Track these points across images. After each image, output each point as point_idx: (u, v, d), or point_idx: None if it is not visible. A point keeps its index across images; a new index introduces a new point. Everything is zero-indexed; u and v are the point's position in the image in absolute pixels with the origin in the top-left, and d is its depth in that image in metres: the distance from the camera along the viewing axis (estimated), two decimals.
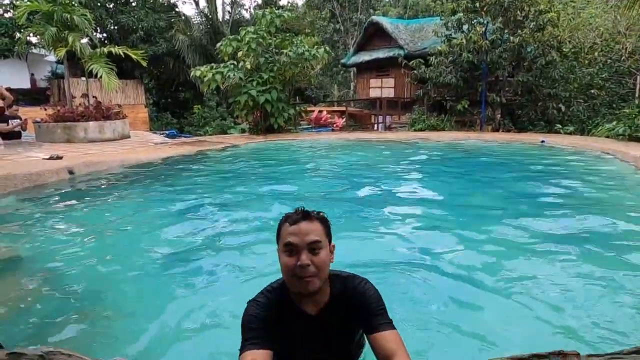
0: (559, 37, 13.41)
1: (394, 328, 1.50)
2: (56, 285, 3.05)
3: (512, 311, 2.56)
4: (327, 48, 13.71)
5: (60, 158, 7.64)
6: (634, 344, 1.60)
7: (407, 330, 2.12)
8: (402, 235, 4.07)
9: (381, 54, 19.04)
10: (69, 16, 11.22)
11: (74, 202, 5.48)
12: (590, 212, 4.64)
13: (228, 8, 27.24)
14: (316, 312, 1.57)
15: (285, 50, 12.81)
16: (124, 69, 19.81)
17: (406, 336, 1.50)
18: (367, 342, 1.55)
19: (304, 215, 1.51)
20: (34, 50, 21.55)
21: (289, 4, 29.95)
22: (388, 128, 17.21)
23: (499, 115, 14.40)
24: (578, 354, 1.28)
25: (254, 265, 3.28)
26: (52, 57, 23.28)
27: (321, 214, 1.58)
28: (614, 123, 10.97)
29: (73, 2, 11.89)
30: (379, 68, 19.98)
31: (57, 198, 5.67)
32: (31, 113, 13.80)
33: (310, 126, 17.23)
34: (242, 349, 1.45)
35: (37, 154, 8.43)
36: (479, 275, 3.12)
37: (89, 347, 2.27)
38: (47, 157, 7.72)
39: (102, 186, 6.47)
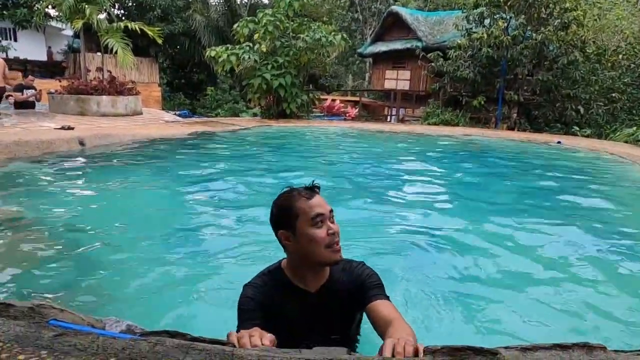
0: (583, 37, 13.07)
1: (390, 301, 1.54)
2: (59, 247, 3.04)
3: (525, 305, 2.47)
4: (344, 35, 13.51)
5: (72, 129, 7.63)
6: None
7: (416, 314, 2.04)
8: (405, 223, 4.00)
9: (399, 45, 18.76)
10: None
11: (82, 171, 5.47)
12: (609, 216, 4.51)
13: None
14: (316, 289, 1.57)
15: (302, 35, 12.65)
16: (140, 47, 19.76)
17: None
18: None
19: (312, 188, 1.54)
20: (52, 24, 21.61)
21: None
22: (401, 120, 17.01)
23: (515, 114, 14.14)
24: (604, 347, 1.19)
25: (253, 243, 3.24)
26: (69, 31, 23.35)
27: (317, 184, 1.59)
28: (634, 128, 10.72)
29: None
30: (396, 59, 19.70)
31: (66, 166, 5.67)
32: (47, 85, 13.86)
33: (322, 114, 17.11)
34: (238, 328, 1.41)
35: (49, 123, 8.44)
36: (485, 266, 3.04)
37: (87, 307, 2.24)
38: (59, 127, 7.73)
39: (112, 158, 6.46)
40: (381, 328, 1.40)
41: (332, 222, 1.50)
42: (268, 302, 1.51)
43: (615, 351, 1.22)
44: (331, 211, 1.51)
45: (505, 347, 1.15)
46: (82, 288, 2.49)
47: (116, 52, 11.65)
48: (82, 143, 6.90)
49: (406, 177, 6.37)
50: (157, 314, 2.26)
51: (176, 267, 2.85)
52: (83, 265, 2.82)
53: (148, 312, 2.28)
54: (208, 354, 0.96)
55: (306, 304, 1.56)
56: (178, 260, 2.96)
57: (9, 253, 2.95)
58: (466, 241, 3.55)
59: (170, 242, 3.28)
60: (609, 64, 14.04)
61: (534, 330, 2.18)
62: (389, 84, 19.82)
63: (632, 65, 13.81)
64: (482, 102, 13.81)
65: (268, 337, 1.19)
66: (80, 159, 6.22)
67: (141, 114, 12.20)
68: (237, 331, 1.37)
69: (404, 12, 19.07)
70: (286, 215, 1.50)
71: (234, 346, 1.08)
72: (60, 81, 11.85)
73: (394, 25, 19.60)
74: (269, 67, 12.56)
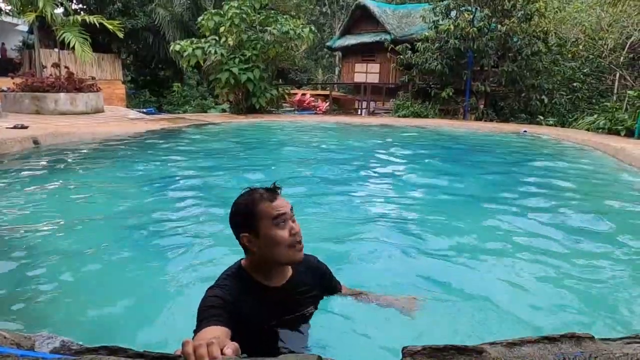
0: (545, 29, 13.40)
1: None
2: (8, 256, 2.76)
3: (506, 299, 2.41)
4: (313, 28, 13.35)
5: (26, 128, 7.18)
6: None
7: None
8: (375, 215, 3.91)
9: (367, 38, 18.74)
10: None
11: (36, 172, 5.12)
12: (573, 200, 4.57)
13: None
14: (282, 284, 1.59)
15: (269, 28, 12.41)
16: (100, 42, 18.95)
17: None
18: None
19: (274, 189, 1.54)
20: (5, 19, 20.43)
21: None
22: (372, 113, 17.03)
23: (482, 105, 14.39)
24: (592, 336, 1.11)
25: (218, 243, 3.05)
26: (23, 27, 22.14)
27: (278, 185, 1.59)
28: (595, 116, 11.06)
29: None
30: (365, 52, 19.69)
31: (18, 167, 5.29)
32: (0, 84, 13.06)
33: (292, 109, 16.90)
34: (199, 327, 1.33)
35: (1, 123, 7.92)
36: (458, 256, 2.98)
37: (23, 321, 2.01)
38: (11, 126, 7.25)
39: (69, 158, 6.10)
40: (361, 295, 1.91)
41: (294, 222, 1.52)
42: (236, 303, 1.45)
43: (604, 340, 1.15)
44: (292, 209, 1.53)
45: (491, 344, 1.05)
46: (18, 301, 2.24)
47: (73, 48, 11.08)
48: (36, 142, 6.50)
49: (377, 169, 6.31)
50: (103, 329, 2.05)
51: (128, 274, 2.63)
52: (23, 275, 2.55)
53: (93, 328, 2.05)
54: None
55: (274, 300, 1.56)
56: (131, 267, 2.74)
57: None
58: (439, 232, 3.49)
59: (124, 247, 3.03)
60: (570, 55, 14.47)
61: (517, 324, 2.11)
62: (358, 77, 19.79)
63: (591, 57, 14.27)
64: (451, 94, 13.97)
65: (230, 346, 1.04)
66: (33, 159, 5.84)
67: (103, 111, 11.68)
68: (197, 327, 1.35)
69: (372, 5, 19.05)
70: (248, 216, 1.50)
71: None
72: (13, 78, 11.17)
73: (362, 18, 19.56)
74: (237, 61, 12.26)
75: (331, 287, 1.84)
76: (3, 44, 22.28)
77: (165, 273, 2.63)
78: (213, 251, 2.93)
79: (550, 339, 1.08)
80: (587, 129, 10.80)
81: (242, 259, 1.62)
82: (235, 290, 1.49)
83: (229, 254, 2.52)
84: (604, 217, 3.83)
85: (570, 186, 5.29)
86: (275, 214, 1.47)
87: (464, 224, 3.68)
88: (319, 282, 1.75)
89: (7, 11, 18.31)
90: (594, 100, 13.82)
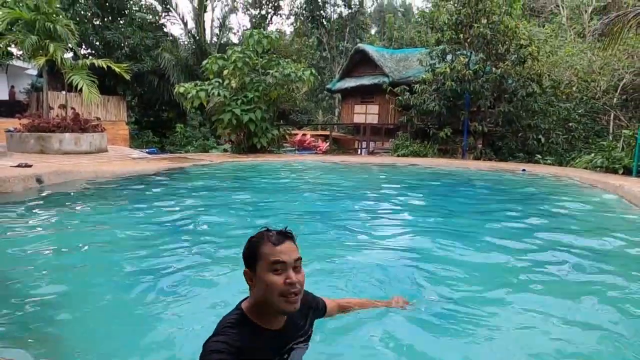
0: (539, 71, 13.84)
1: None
2: (8, 295, 2.73)
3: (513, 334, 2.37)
4: (313, 71, 13.78)
5: (30, 166, 7.27)
6: None
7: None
8: (377, 254, 3.89)
9: (366, 80, 19.30)
10: (51, 26, 11.01)
11: (39, 210, 5.13)
12: (578, 234, 4.56)
13: (216, 31, 27.47)
14: (281, 326, 1.58)
15: (271, 71, 12.81)
16: (107, 85, 19.54)
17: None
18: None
19: (285, 234, 1.54)
20: (15, 63, 21.15)
21: (277, 30, 30.45)
22: (371, 153, 17.24)
23: (481, 145, 14.61)
24: None
25: (220, 284, 3.01)
26: (32, 71, 22.90)
27: (291, 231, 1.59)
28: (592, 155, 11.20)
29: (56, 12, 11.68)
30: (364, 94, 20.22)
31: (21, 206, 5.31)
32: (6, 124, 13.33)
33: (293, 148, 17.14)
34: None
35: (5, 162, 8.03)
36: (460, 289, 2.94)
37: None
38: (15, 165, 7.34)
39: (71, 196, 6.13)
40: (348, 309, 2.13)
41: (297, 272, 1.50)
42: (242, 351, 1.42)
43: None
44: (298, 260, 1.51)
45: None
46: (28, 335, 2.21)
47: (81, 90, 11.41)
48: (39, 181, 6.55)
49: (379, 206, 6.33)
50: None
51: (133, 311, 2.60)
52: (31, 310, 2.54)
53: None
54: None
55: (275, 345, 1.56)
56: (135, 304, 2.70)
57: None
58: (447, 264, 3.47)
59: (127, 285, 3.00)
60: (564, 96, 14.85)
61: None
62: (358, 118, 20.21)
63: (585, 98, 14.64)
64: (449, 134, 14.21)
65: None
66: (36, 197, 5.87)
67: (107, 151, 11.86)
68: None
69: (371, 50, 19.77)
70: (251, 255, 1.52)
71: None
72: (20, 119, 11.42)
73: (361, 62, 20.24)
74: (239, 102, 12.58)
75: (319, 313, 1.87)
76: (12, 86, 22.96)
77: (166, 313, 2.59)
78: (214, 291, 2.89)
79: None
80: (585, 167, 10.91)
81: (242, 300, 1.62)
82: (235, 342, 1.43)
83: (234, 293, 2.50)
84: (609, 248, 3.82)
85: (575, 221, 5.30)
86: (273, 260, 1.47)
87: (472, 259, 3.67)
88: (311, 318, 1.77)
89: (18, 56, 18.98)
90: (590, 140, 14.04)
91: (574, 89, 14.39)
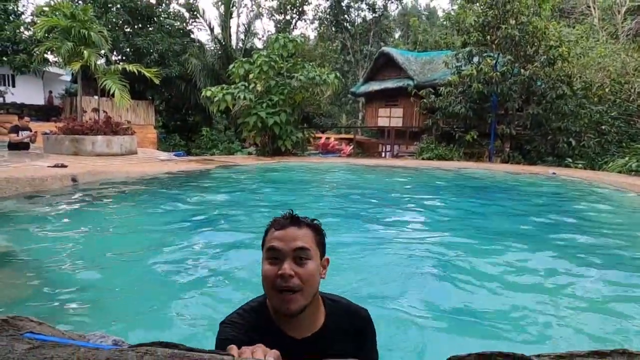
0: (569, 73, 13.46)
1: None
2: (47, 281, 2.87)
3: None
4: (338, 74, 13.83)
5: (65, 166, 7.55)
6: None
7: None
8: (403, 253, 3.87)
9: (390, 84, 19.21)
10: (86, 32, 11.43)
11: (74, 207, 5.34)
12: (620, 238, 4.42)
13: (242, 36, 27.91)
14: (302, 337, 1.32)
15: (296, 75, 12.93)
16: (137, 90, 20.10)
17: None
18: None
19: (293, 219, 1.31)
20: (50, 69, 22.04)
21: (301, 35, 30.72)
22: (395, 156, 17.13)
23: (508, 148, 14.31)
24: None
25: (245, 278, 3.08)
26: (66, 77, 23.82)
27: (315, 221, 1.36)
28: (627, 159, 10.82)
29: (91, 20, 12.13)
30: (388, 97, 20.13)
31: (58, 202, 5.53)
32: (43, 127, 13.90)
33: (317, 152, 17.21)
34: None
35: (42, 163, 8.36)
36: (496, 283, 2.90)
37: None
38: (52, 165, 7.64)
39: (105, 194, 6.33)
40: None
41: (298, 264, 1.24)
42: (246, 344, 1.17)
43: None
44: (298, 249, 1.25)
45: (537, 356, 1.03)
46: (67, 315, 2.32)
47: (113, 94, 11.79)
48: (74, 180, 6.80)
49: (404, 207, 6.28)
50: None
51: (167, 298, 2.69)
52: (70, 295, 2.65)
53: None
54: None
55: (290, 352, 1.16)
56: (169, 292, 2.81)
57: None
58: (475, 264, 3.42)
59: (158, 274, 3.13)
60: (596, 98, 14.39)
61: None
62: (382, 122, 20.13)
63: (618, 100, 14.16)
64: (475, 137, 13.99)
65: (272, 353, 1.05)
66: (72, 195, 6.09)
67: (136, 153, 12.18)
68: None
69: (395, 53, 19.68)
70: (262, 242, 1.34)
71: (234, 357, 0.95)
72: (56, 122, 11.88)
73: (386, 65, 20.17)
74: (264, 105, 12.74)
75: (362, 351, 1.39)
76: (51, 92, 23.96)
77: (199, 298, 2.66)
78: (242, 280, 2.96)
79: (601, 354, 1.05)
80: (619, 172, 10.54)
81: None
82: (246, 329, 1.29)
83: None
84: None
85: (612, 225, 5.13)
86: (268, 246, 1.28)
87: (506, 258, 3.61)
88: (349, 343, 1.37)
89: (54, 62, 19.80)
90: (624, 144, 13.57)
91: (606, 90, 13.92)
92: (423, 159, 14.26)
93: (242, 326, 1.29)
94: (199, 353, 0.89)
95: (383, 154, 18.33)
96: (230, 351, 1.03)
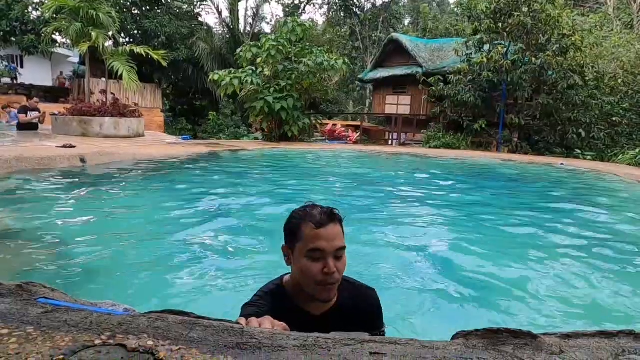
0: (582, 62, 13.23)
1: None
2: (53, 254, 2.92)
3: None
4: (346, 59, 13.70)
5: (74, 147, 7.60)
6: None
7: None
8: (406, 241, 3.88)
9: (399, 71, 19.01)
10: (94, 13, 11.38)
11: (82, 186, 5.38)
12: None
13: (250, 20, 27.66)
14: (321, 312, 1.44)
15: (304, 60, 12.83)
16: (144, 73, 20.06)
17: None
18: None
19: (330, 216, 1.36)
20: (58, 50, 22.04)
21: (310, 20, 30.37)
22: (402, 144, 17.05)
23: (517, 138, 14.17)
24: None
25: (253, 259, 3.10)
26: (74, 58, 23.82)
27: (335, 210, 1.39)
28: (637, 150, 10.70)
29: (99, 1, 12.06)
30: (396, 85, 19.94)
31: (66, 181, 5.59)
32: (51, 108, 13.96)
33: (324, 138, 17.17)
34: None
35: (51, 143, 8.42)
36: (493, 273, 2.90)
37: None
38: (61, 145, 7.69)
39: (112, 175, 6.38)
40: None
41: (338, 260, 1.33)
42: None
43: None
44: (341, 249, 1.34)
45: (544, 334, 1.03)
46: (77, 286, 2.36)
47: (121, 76, 11.79)
48: (83, 160, 6.85)
49: (408, 195, 6.28)
50: None
51: (176, 272, 2.72)
52: (77, 271, 2.70)
53: None
54: (215, 330, 0.86)
55: (310, 326, 1.23)
56: (175, 271, 2.85)
57: (2, 262, 2.84)
58: (480, 250, 3.43)
59: (166, 251, 3.18)
60: (608, 90, 14.17)
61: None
62: (389, 109, 19.97)
63: (630, 92, 13.94)
64: (483, 126, 13.86)
65: (280, 324, 1.09)
66: (80, 175, 6.14)
67: (143, 136, 12.21)
68: None
69: (405, 39, 19.43)
70: (292, 232, 1.38)
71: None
72: (64, 104, 11.92)
73: (395, 52, 19.93)
74: (271, 90, 12.67)
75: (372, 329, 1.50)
76: (61, 73, 23.99)
77: (206, 278, 2.69)
78: (251, 263, 2.98)
79: (607, 334, 1.05)
80: (629, 164, 10.43)
81: (284, 274, 1.51)
82: (268, 309, 1.35)
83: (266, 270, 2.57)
84: None
85: (620, 213, 5.10)
86: (312, 246, 1.32)
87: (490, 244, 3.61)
88: (363, 321, 1.46)
89: (61, 43, 19.78)
90: (634, 136, 13.39)
91: (619, 81, 13.70)
92: (430, 147, 14.18)
93: (264, 305, 1.38)
94: (208, 320, 0.90)
95: (390, 142, 18.24)
96: (237, 321, 1.06)
